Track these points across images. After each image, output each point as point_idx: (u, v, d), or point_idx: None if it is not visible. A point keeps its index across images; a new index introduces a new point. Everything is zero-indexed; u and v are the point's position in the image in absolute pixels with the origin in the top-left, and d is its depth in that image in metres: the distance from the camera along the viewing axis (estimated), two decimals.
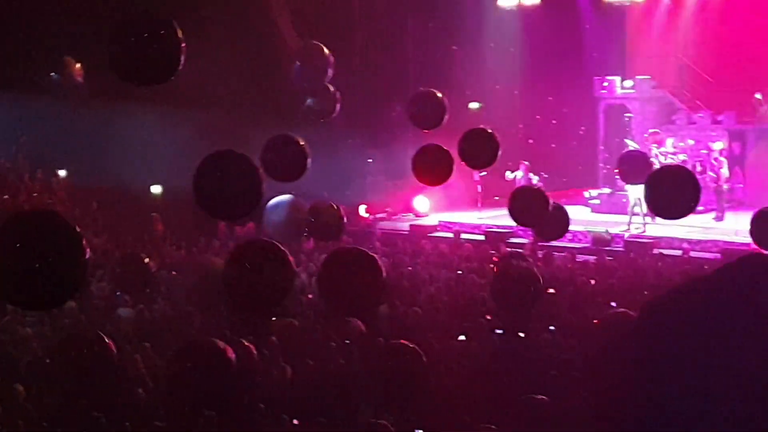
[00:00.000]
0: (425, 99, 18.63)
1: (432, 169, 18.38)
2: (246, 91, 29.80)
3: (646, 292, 19.78)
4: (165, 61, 11.63)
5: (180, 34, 11.51)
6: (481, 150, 18.12)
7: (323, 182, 30.15)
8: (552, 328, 16.92)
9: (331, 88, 19.34)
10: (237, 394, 12.45)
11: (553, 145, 36.79)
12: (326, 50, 19.08)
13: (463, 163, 18.57)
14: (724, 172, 31.63)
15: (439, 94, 18.36)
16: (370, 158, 34.27)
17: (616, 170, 18.48)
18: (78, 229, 9.44)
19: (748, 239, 26.42)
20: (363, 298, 12.90)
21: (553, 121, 37.56)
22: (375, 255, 13.20)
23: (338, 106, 19.44)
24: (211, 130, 27.08)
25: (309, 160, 15.86)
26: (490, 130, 18.32)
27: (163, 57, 11.58)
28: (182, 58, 11.58)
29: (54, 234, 9.24)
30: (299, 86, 20.42)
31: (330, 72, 19.19)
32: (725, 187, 31.08)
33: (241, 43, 29.64)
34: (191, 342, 13.20)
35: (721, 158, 32.24)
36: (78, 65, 25.51)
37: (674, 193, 14.78)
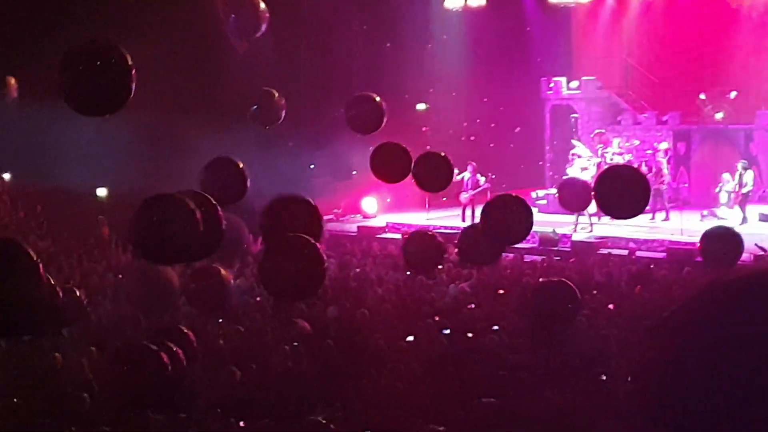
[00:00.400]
0: (363, 103, 18.41)
1: (390, 167, 18.26)
2: (188, 90, 29.59)
3: (595, 292, 19.88)
4: (116, 91, 11.50)
5: (130, 60, 11.37)
6: (434, 174, 18.06)
7: (269, 184, 30.06)
8: (496, 327, 16.94)
9: (276, 95, 19.11)
10: (172, 395, 12.37)
11: (492, 145, 36.86)
12: (262, 3, 18.80)
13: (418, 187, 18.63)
14: (665, 172, 31.86)
15: (377, 98, 18.13)
16: (312, 164, 34.11)
17: (556, 194, 18.47)
18: (36, 258, 9.33)
19: (694, 239, 26.72)
20: (304, 283, 12.87)
21: (492, 125, 37.57)
22: (315, 242, 13.14)
23: (283, 113, 19.18)
24: (153, 131, 26.90)
25: (248, 182, 15.65)
26: (443, 154, 18.25)
27: (113, 86, 11.45)
28: (133, 86, 11.44)
29: (12, 265, 9.13)
30: (233, 39, 20.09)
31: (264, 26, 18.88)
32: (664, 187, 31.18)
33: (183, 42, 29.45)
34: (124, 346, 13.14)
35: (660, 158, 32.48)
36: (13, 81, 25.25)
37: (624, 193, 14.77)
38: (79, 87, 11.33)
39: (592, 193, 15.62)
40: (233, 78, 29.13)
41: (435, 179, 18.17)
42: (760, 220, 30.15)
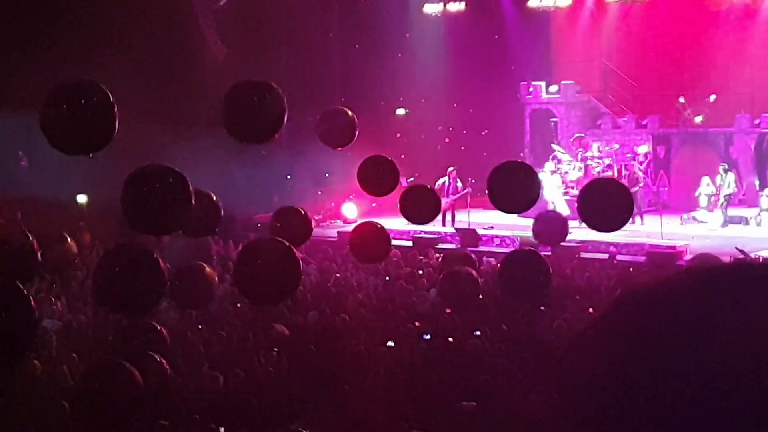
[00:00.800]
0: (335, 117, 18.48)
1: (378, 180, 18.42)
2: (166, 98, 29.61)
3: (578, 297, 19.99)
4: (100, 129, 11.60)
5: (111, 98, 11.48)
6: (422, 206, 18.22)
7: (249, 190, 30.12)
8: (478, 333, 17.03)
9: None
10: (146, 412, 12.42)
11: (469, 149, 36.87)
12: None
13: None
14: (638, 174, 31.97)
15: (349, 112, 18.22)
16: (289, 174, 34.11)
17: (533, 229, 18.57)
18: (26, 292, 9.51)
19: (674, 242, 26.90)
20: (279, 286, 12.97)
21: (472, 130, 37.67)
22: (290, 245, 13.25)
23: None
24: (133, 137, 26.95)
25: (222, 213, 15.71)
26: (429, 186, 18.51)
27: (96, 125, 11.56)
28: (117, 123, 11.55)
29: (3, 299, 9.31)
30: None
31: None
32: (635, 189, 31.11)
33: (162, 50, 29.51)
34: (98, 362, 13.22)
35: (639, 161, 32.64)
36: None
37: (607, 205, 14.85)
38: (62, 127, 11.46)
39: (576, 204, 15.69)
40: (211, 85, 29.21)
41: (422, 212, 18.35)
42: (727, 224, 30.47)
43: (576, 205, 15.67)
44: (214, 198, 15.42)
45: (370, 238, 18.03)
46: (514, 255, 16.00)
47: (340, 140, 18.27)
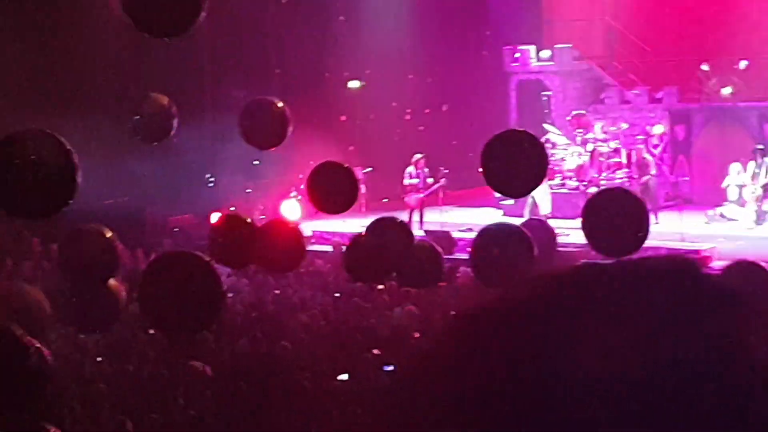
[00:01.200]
0: (260, 111, 18.20)
1: (332, 194, 18.31)
2: (48, 66, 29.50)
3: None
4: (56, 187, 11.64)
5: (68, 145, 11.53)
6: (396, 243, 18.24)
7: (165, 187, 29.86)
8: None
9: (166, 102, 18.51)
10: None
11: (439, 131, 36.85)
12: None
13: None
14: (648, 160, 31.94)
15: (279, 104, 17.97)
16: (209, 174, 33.90)
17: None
18: None
19: (697, 245, 26.90)
20: (195, 311, 12.84)
21: (426, 111, 37.59)
22: (209, 260, 13.14)
23: (175, 123, 18.61)
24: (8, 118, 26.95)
25: (120, 252, 15.67)
26: (399, 219, 18.60)
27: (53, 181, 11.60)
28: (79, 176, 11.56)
29: None
30: None
31: None
32: (647, 178, 31.05)
33: (43, 5, 29.42)
34: None
35: (640, 145, 32.65)
36: None
37: (616, 224, 14.68)
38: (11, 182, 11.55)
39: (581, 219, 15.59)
40: (107, 49, 29.00)
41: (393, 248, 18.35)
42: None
43: (581, 222, 15.50)
44: (109, 235, 15.13)
45: (279, 241, 17.87)
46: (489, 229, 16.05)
47: (268, 139, 18.06)
